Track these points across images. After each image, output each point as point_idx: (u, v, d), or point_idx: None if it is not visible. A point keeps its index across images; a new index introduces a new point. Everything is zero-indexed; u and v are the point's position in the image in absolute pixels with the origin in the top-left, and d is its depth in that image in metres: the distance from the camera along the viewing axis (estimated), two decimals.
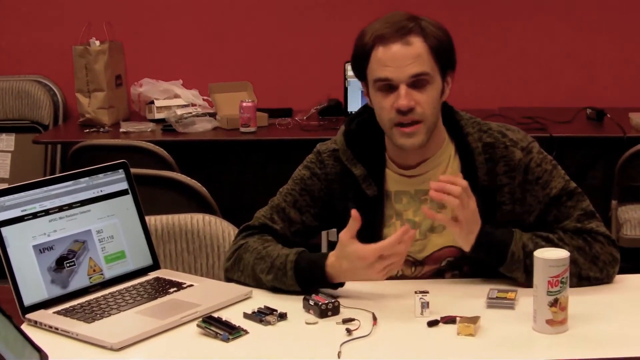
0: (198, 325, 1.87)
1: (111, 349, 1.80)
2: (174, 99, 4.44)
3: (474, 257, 2.05)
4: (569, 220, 2.09)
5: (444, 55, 2.08)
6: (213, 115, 4.31)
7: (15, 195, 1.98)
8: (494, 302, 1.96)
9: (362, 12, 4.57)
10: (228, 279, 2.16)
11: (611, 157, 3.90)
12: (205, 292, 2.06)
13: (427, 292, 1.92)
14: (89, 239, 2.08)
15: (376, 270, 1.98)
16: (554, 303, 1.80)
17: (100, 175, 2.13)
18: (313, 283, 2.03)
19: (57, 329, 1.89)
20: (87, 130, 4.28)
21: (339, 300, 1.95)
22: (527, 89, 4.69)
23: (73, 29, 4.48)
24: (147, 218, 2.21)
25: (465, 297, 2.02)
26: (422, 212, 2.14)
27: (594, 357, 1.73)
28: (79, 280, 2.05)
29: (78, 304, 1.99)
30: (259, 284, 2.09)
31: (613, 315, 1.92)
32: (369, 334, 1.84)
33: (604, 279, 2.07)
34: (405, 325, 1.89)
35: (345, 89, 4.39)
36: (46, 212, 2.02)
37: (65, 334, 1.87)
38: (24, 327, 1.90)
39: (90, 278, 2.07)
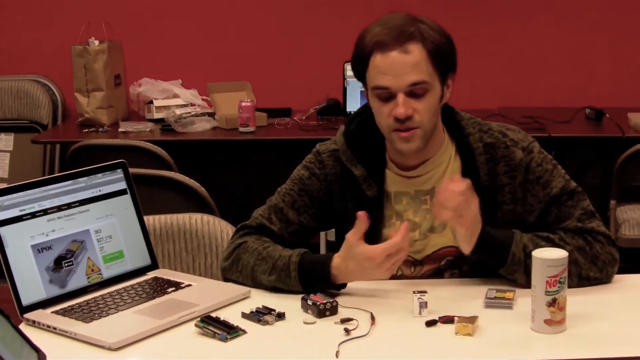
0: (196, 325, 1.87)
1: (109, 349, 1.80)
2: (172, 99, 4.44)
3: (475, 258, 2.05)
4: (569, 220, 2.09)
5: (444, 60, 2.07)
6: (212, 115, 4.31)
7: (14, 195, 1.98)
8: (492, 302, 1.96)
9: (361, 12, 4.57)
10: (225, 278, 2.16)
11: (610, 157, 3.91)
12: (204, 292, 2.06)
13: (426, 292, 1.93)
14: (88, 238, 2.08)
15: (384, 269, 1.98)
16: (552, 303, 1.80)
17: (99, 175, 2.13)
18: (316, 284, 2.02)
19: (55, 328, 1.89)
20: (86, 130, 4.28)
21: (337, 300, 1.95)
22: (526, 89, 4.69)
23: (72, 28, 4.48)
24: (145, 218, 2.21)
25: (463, 297, 2.02)
26: (422, 213, 2.15)
27: (592, 357, 1.73)
28: (77, 280, 2.05)
29: (76, 304, 1.99)
30: (256, 285, 2.09)
31: (611, 315, 1.92)
32: (367, 334, 1.84)
33: (604, 279, 2.07)
34: (403, 325, 1.89)
35: (344, 89, 4.39)
36: (45, 212, 2.02)
37: (64, 334, 1.87)
38: (22, 326, 1.90)
39: (88, 278, 2.07)
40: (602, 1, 4.62)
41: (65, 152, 4.13)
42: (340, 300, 1.96)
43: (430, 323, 1.87)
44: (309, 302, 1.94)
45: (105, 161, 2.16)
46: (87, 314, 1.94)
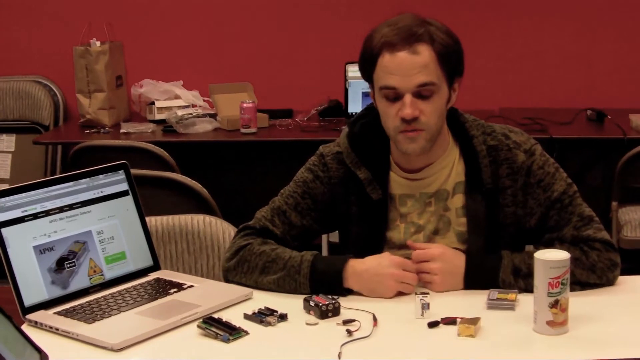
0: (198, 326, 1.87)
1: (111, 350, 1.80)
2: (174, 100, 4.44)
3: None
4: (567, 228, 2.09)
5: (452, 63, 2.07)
6: (213, 116, 4.31)
7: (16, 196, 1.98)
8: (494, 304, 1.96)
9: (363, 13, 4.58)
10: (227, 279, 2.16)
11: (611, 158, 3.90)
12: (206, 293, 2.06)
13: (428, 293, 1.93)
14: (90, 239, 2.08)
15: (394, 275, 2.01)
16: (555, 304, 1.80)
17: (101, 176, 2.14)
18: (324, 282, 2.02)
19: (57, 329, 1.89)
20: (88, 131, 4.28)
21: (339, 301, 1.95)
22: (527, 90, 4.68)
23: (74, 29, 4.49)
24: (147, 219, 2.21)
25: (465, 298, 2.02)
26: (426, 215, 2.15)
27: (594, 359, 1.72)
28: (80, 281, 2.05)
29: (78, 305, 1.99)
30: (260, 286, 2.09)
31: (614, 316, 1.92)
32: (369, 335, 1.84)
33: (605, 284, 2.06)
34: (405, 326, 1.89)
35: (346, 90, 4.39)
36: (47, 213, 2.02)
37: (66, 335, 1.87)
38: (25, 327, 1.90)
39: (90, 279, 2.07)
40: (603, 2, 4.61)
41: (67, 153, 4.13)
42: (342, 301, 1.96)
43: (432, 324, 1.87)
44: (312, 303, 1.94)
45: (106, 162, 2.16)
46: (89, 314, 1.94)
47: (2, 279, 1.96)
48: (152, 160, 3.56)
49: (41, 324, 1.92)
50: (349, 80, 4.36)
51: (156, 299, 2.03)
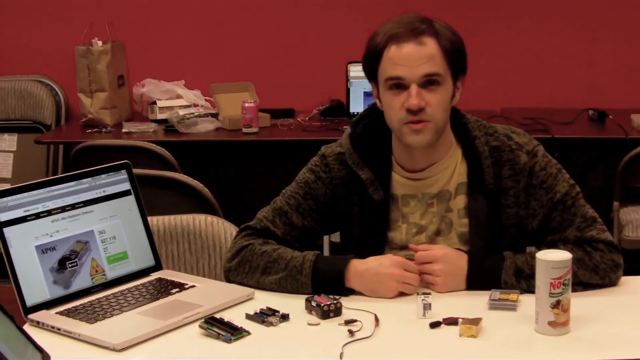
0: (200, 326, 1.87)
1: (113, 350, 1.80)
2: (176, 100, 4.44)
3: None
4: (570, 229, 2.09)
5: (456, 59, 2.08)
6: (215, 115, 4.31)
7: (18, 196, 1.98)
8: (496, 304, 1.96)
9: (364, 13, 4.57)
10: (229, 279, 2.16)
11: (613, 158, 3.90)
12: (208, 293, 2.06)
13: (430, 294, 1.93)
14: (92, 239, 2.09)
15: (395, 275, 2.00)
16: (556, 305, 1.80)
17: (103, 176, 2.14)
18: (326, 281, 2.02)
19: (59, 329, 1.89)
20: (90, 131, 4.29)
21: (341, 301, 1.95)
22: (529, 90, 4.68)
23: (75, 29, 4.49)
24: (149, 219, 2.22)
25: (467, 298, 2.02)
26: (428, 216, 2.15)
27: (596, 359, 1.73)
28: (82, 280, 2.05)
29: (80, 305, 1.99)
30: (261, 286, 2.09)
31: (615, 317, 1.92)
32: (371, 335, 1.84)
33: (607, 285, 2.06)
34: (407, 327, 1.89)
35: (348, 90, 4.39)
36: (49, 213, 2.02)
37: (68, 335, 1.87)
38: (26, 327, 1.90)
39: (92, 278, 2.07)
40: (605, 2, 4.61)
41: (69, 153, 4.13)
42: (344, 301, 1.96)
43: (434, 325, 1.87)
44: (313, 304, 1.94)
45: (108, 162, 2.17)
46: (91, 314, 1.94)
47: (4, 278, 1.96)
48: (153, 159, 3.56)
49: (43, 323, 1.92)
50: (351, 80, 4.36)
51: (158, 299, 2.03)
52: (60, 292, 2.01)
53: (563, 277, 1.80)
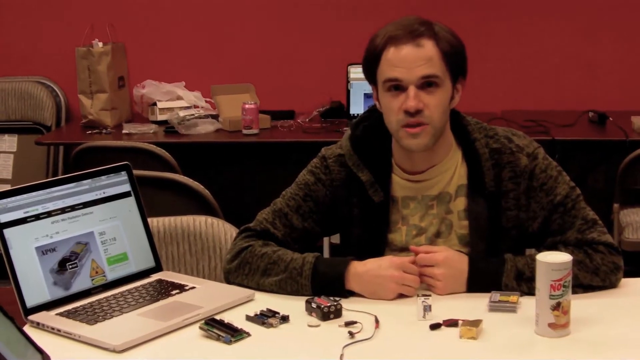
0: (200, 328, 1.87)
1: (113, 351, 1.80)
2: (176, 101, 4.45)
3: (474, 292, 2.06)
4: (570, 231, 2.09)
5: (456, 61, 2.08)
6: (215, 117, 4.31)
7: (18, 197, 1.98)
8: (496, 306, 1.96)
9: (365, 14, 4.57)
10: (229, 281, 2.16)
11: (613, 160, 3.90)
12: (208, 294, 2.06)
13: (430, 295, 1.93)
14: (92, 240, 2.09)
15: (395, 277, 2.00)
16: (557, 307, 1.80)
17: (103, 177, 2.14)
18: (326, 282, 2.02)
19: (59, 330, 1.89)
20: (90, 132, 4.29)
21: (341, 303, 1.95)
22: (529, 92, 4.68)
23: (76, 30, 4.49)
24: (149, 220, 2.22)
25: (467, 300, 2.02)
26: (428, 218, 2.15)
27: None
28: (82, 282, 2.05)
29: (80, 306, 1.99)
30: (261, 288, 2.09)
31: (615, 319, 1.92)
32: (371, 337, 1.84)
33: (607, 286, 2.06)
34: (407, 329, 1.89)
35: (348, 92, 4.39)
36: (49, 214, 2.02)
37: (68, 336, 1.87)
38: (26, 328, 1.90)
39: (92, 280, 2.07)
40: (606, 3, 4.61)
41: (69, 154, 4.13)
42: (344, 303, 1.96)
43: (434, 326, 1.87)
44: (313, 305, 1.94)
45: (108, 163, 2.17)
46: (91, 316, 1.94)
47: (4, 279, 1.96)
48: (154, 161, 3.56)
49: (43, 325, 1.92)
50: (351, 82, 4.37)
51: (158, 300, 2.03)
52: (60, 293, 2.01)
53: (563, 279, 1.80)
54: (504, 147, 2.13)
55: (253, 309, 1.96)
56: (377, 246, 2.14)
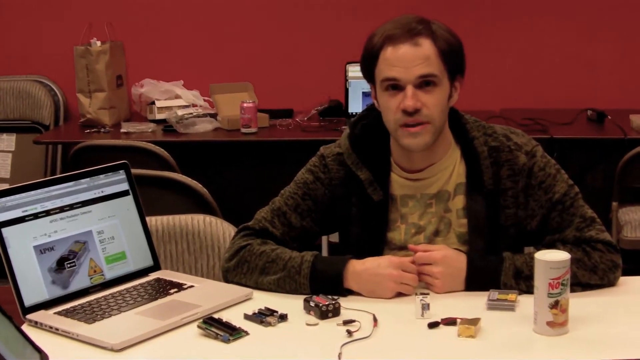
0: (199, 326, 1.87)
1: (112, 350, 1.80)
2: (174, 100, 4.44)
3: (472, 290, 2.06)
4: (569, 229, 2.09)
5: (453, 59, 2.08)
6: (214, 116, 4.31)
7: (16, 196, 1.98)
8: (494, 304, 1.96)
9: (363, 13, 4.57)
10: (227, 280, 2.16)
11: (612, 158, 3.90)
12: (206, 293, 2.06)
13: (428, 294, 1.93)
14: (90, 239, 2.09)
15: (393, 275, 2.00)
16: (555, 305, 1.80)
17: (101, 176, 2.14)
18: (324, 280, 2.02)
19: (57, 329, 1.89)
20: (88, 131, 4.29)
21: (339, 301, 1.95)
22: (528, 91, 4.68)
23: (74, 29, 4.49)
24: (147, 219, 2.21)
25: (465, 298, 2.02)
26: (427, 216, 2.15)
27: None
28: (80, 280, 2.05)
29: (79, 305, 1.99)
30: (259, 287, 2.09)
31: (614, 317, 1.92)
32: (369, 336, 1.84)
33: (606, 285, 2.06)
34: (405, 327, 1.89)
35: (346, 90, 4.39)
36: (47, 213, 2.02)
37: (66, 335, 1.87)
38: (25, 327, 1.90)
39: (91, 279, 2.07)
40: (604, 3, 4.61)
41: (67, 153, 4.14)
42: (342, 302, 1.96)
43: (432, 325, 1.87)
44: (312, 304, 1.94)
45: (107, 162, 2.16)
46: (90, 315, 1.94)
47: (2, 278, 1.96)
48: (152, 160, 3.56)
49: (41, 324, 1.92)
50: (350, 80, 4.37)
51: (156, 299, 2.03)
52: (58, 292, 2.01)
53: (561, 278, 1.80)
54: (503, 145, 2.13)
55: (251, 307, 1.96)
56: (376, 245, 2.14)
